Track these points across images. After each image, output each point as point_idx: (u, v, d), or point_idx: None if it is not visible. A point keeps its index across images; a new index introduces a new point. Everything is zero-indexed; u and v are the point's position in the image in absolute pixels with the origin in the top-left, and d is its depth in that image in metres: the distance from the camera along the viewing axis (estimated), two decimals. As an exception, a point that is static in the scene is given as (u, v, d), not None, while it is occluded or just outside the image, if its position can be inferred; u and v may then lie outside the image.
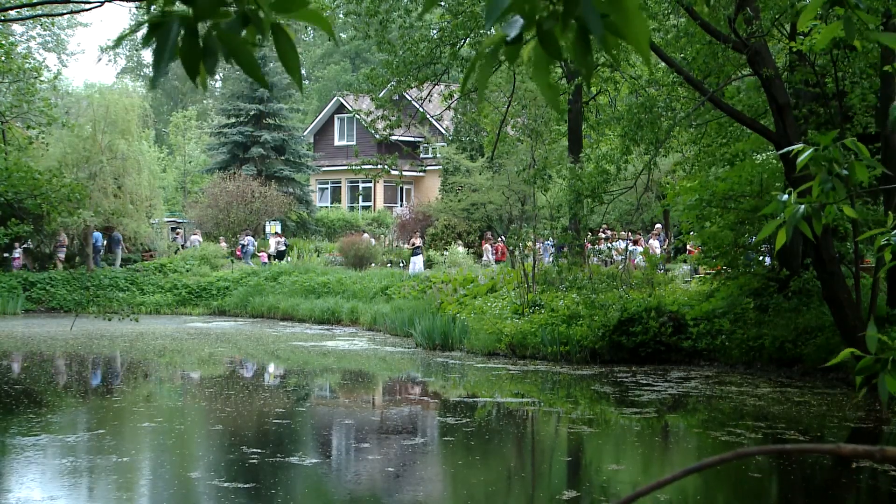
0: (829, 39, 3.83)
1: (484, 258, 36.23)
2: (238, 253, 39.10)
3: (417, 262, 34.64)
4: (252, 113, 47.18)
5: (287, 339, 25.55)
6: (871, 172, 4.01)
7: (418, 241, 36.57)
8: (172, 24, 1.78)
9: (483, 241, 37.90)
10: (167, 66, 1.81)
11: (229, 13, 1.81)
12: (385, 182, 48.75)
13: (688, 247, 26.76)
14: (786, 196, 3.93)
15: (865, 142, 16.69)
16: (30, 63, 20.54)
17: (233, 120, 48.30)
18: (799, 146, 3.90)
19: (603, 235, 31.95)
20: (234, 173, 43.24)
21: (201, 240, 40.35)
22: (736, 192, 19.30)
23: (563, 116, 24.53)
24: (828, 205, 3.86)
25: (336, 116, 54.26)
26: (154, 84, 1.97)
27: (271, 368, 21.20)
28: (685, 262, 27.50)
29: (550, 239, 26.18)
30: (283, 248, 40.05)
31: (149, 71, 76.52)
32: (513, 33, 1.82)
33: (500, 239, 35.96)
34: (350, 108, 46.77)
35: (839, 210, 3.93)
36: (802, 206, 3.83)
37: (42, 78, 20.62)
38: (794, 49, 16.28)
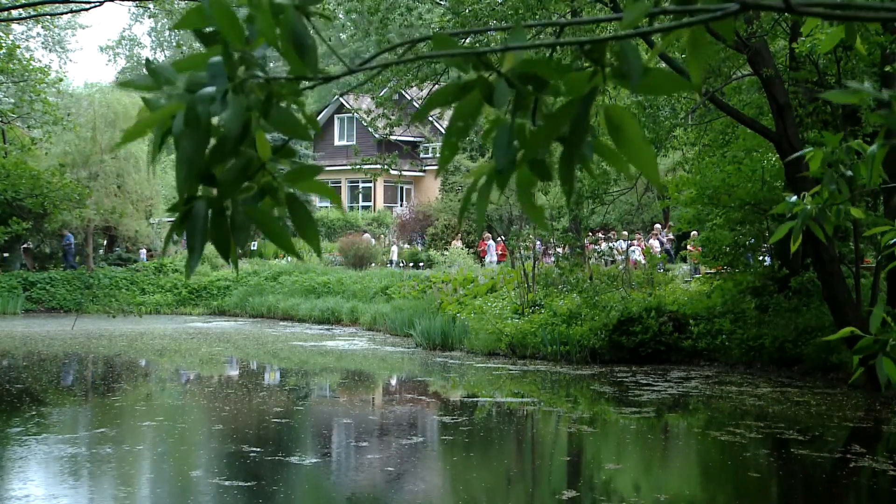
0: (834, 43, 3.85)
1: (487, 259, 36.34)
2: None
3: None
4: (252, 112, 47.19)
5: (287, 339, 25.56)
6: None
7: (460, 244, 37.82)
8: (200, 208, 1.75)
9: (482, 242, 37.98)
10: (202, 250, 1.76)
11: (251, 188, 1.79)
12: (385, 182, 48.74)
13: (688, 247, 26.76)
14: (795, 197, 3.97)
15: (874, 140, 16.74)
16: (33, 64, 20.52)
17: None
18: (810, 150, 3.92)
19: (603, 236, 31.94)
20: (234, 173, 43.18)
21: None
22: (736, 189, 19.26)
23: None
24: (834, 206, 3.89)
25: (336, 116, 54.23)
26: (191, 272, 1.91)
27: (271, 368, 21.19)
28: (685, 260, 27.50)
29: (540, 242, 26.26)
30: None
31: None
32: (507, 171, 1.79)
33: (499, 238, 36.06)
34: (350, 108, 46.77)
35: (845, 212, 3.95)
36: (809, 207, 3.86)
37: (46, 80, 20.61)
38: (797, 50, 16.29)
